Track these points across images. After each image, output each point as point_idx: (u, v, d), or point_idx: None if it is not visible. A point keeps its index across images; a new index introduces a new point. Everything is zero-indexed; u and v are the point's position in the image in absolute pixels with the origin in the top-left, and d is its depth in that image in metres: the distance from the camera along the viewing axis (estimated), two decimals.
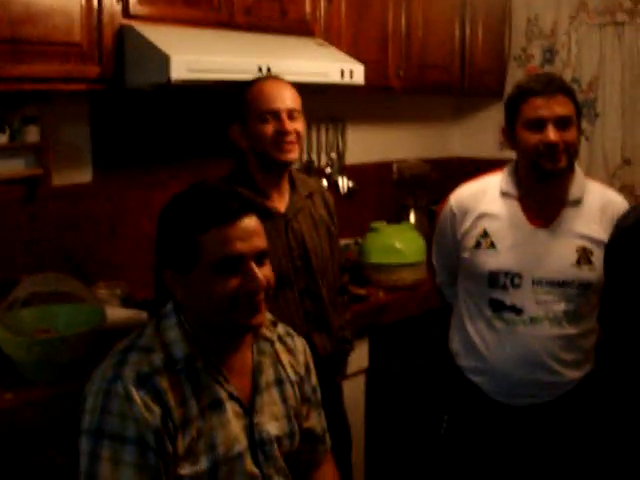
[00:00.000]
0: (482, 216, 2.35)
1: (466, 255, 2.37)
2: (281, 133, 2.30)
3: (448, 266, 2.54)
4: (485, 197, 2.37)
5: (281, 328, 1.80)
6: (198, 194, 1.59)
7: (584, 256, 2.25)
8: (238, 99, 2.37)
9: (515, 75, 4.24)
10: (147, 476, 1.45)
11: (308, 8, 3.16)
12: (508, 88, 4.31)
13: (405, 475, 3.35)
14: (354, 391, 3.07)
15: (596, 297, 2.31)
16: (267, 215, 2.26)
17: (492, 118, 4.49)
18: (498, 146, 4.44)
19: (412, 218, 4.00)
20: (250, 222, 1.56)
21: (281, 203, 2.41)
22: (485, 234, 2.32)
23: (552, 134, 2.17)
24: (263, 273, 1.55)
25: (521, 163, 2.31)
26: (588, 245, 2.26)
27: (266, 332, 1.72)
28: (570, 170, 2.27)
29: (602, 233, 2.23)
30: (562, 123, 2.19)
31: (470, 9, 4.04)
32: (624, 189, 3.90)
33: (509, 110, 2.28)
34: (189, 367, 1.55)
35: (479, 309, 2.36)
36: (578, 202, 2.29)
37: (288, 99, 2.34)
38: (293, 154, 2.34)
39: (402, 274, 3.32)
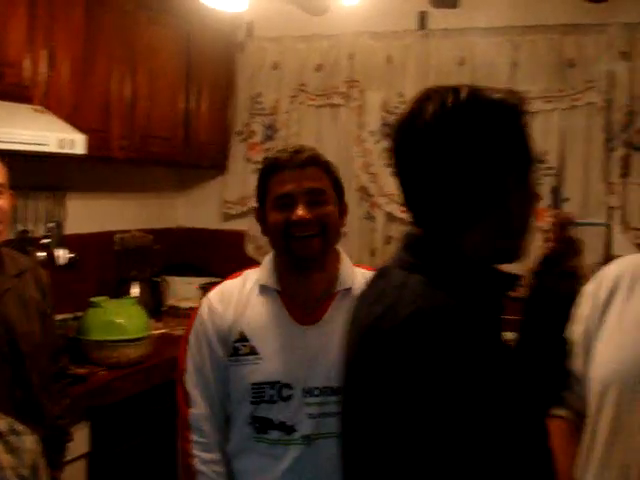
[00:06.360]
0: (240, 316, 1.90)
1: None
2: None
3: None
4: (243, 294, 1.93)
5: (4, 425, 1.59)
6: None
7: None
8: None
9: (237, 149, 4.35)
10: None
11: (27, 73, 2.98)
12: (230, 162, 4.41)
13: None
14: (74, 478, 2.87)
15: None
16: None
17: (215, 190, 4.57)
18: (221, 217, 4.52)
19: (135, 291, 3.90)
20: None
21: None
22: (244, 338, 1.88)
23: (301, 210, 1.81)
24: None
25: (275, 251, 1.93)
26: None
27: None
28: (327, 253, 1.89)
29: None
30: (314, 197, 1.83)
31: (195, 83, 4.08)
32: None
33: (258, 188, 1.91)
34: None
35: (240, 431, 1.89)
36: (347, 292, 1.89)
37: None
38: None
39: (125, 351, 3.20)
